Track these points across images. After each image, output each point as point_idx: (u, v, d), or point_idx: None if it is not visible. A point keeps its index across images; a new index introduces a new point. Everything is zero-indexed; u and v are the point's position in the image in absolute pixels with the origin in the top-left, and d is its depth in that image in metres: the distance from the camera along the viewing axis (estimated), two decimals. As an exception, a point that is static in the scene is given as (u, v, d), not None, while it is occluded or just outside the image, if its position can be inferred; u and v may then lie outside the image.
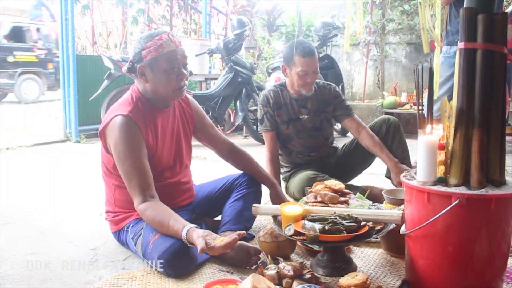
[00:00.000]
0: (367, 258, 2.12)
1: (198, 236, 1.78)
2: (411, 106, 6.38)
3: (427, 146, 1.69)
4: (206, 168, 3.83)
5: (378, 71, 7.22)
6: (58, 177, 3.82)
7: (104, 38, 6.53)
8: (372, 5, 7.14)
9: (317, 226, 1.81)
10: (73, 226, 2.62)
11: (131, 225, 2.13)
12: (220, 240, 1.77)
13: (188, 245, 1.86)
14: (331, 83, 3.10)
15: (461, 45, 1.67)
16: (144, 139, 2.08)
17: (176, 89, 2.12)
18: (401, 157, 2.83)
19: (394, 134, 2.88)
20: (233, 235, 1.78)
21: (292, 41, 2.96)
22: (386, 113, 6.48)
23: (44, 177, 3.84)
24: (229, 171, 2.55)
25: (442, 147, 1.72)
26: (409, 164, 2.83)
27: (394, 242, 2.08)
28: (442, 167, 1.72)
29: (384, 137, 2.87)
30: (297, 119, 2.99)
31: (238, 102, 5.64)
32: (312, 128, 3.01)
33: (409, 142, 5.75)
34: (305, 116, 2.99)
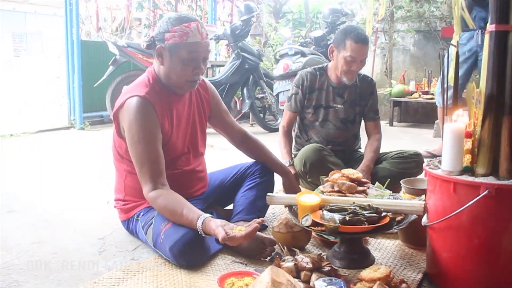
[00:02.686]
0: (384, 249, 2.05)
1: (217, 226, 1.71)
2: (419, 95, 6.27)
3: (453, 134, 1.61)
4: (214, 156, 3.75)
5: (386, 59, 7.11)
6: (63, 165, 3.76)
7: (109, 23, 6.43)
8: (381, -8, 7.01)
9: (337, 216, 1.73)
10: (79, 214, 2.55)
11: (141, 214, 2.06)
12: (238, 229, 1.70)
13: (203, 235, 1.79)
14: (371, 77, 3.00)
15: (491, 27, 1.58)
16: (159, 123, 1.99)
17: (189, 81, 2.03)
18: (379, 177, 2.69)
19: (406, 166, 2.72)
20: (252, 224, 1.70)
21: (348, 25, 2.83)
22: (394, 102, 6.40)
23: (48, 164, 3.78)
24: (237, 158, 2.48)
25: (469, 135, 1.64)
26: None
27: (413, 233, 2.01)
28: (468, 156, 1.64)
29: (399, 159, 2.78)
30: (329, 107, 2.89)
31: (245, 89, 5.55)
32: (344, 120, 2.90)
33: (418, 131, 5.76)
34: (339, 106, 2.88)
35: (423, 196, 1.94)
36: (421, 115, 6.66)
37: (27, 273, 1.85)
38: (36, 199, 2.83)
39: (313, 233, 2.06)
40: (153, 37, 2.01)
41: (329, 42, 5.92)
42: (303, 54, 5.13)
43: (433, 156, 3.95)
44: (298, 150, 2.97)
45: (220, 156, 3.65)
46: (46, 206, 2.68)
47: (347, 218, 1.72)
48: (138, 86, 2.02)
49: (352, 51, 2.67)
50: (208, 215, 1.81)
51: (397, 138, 5.27)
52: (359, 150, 3.06)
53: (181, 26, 1.94)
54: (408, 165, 2.71)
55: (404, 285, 1.60)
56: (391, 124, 6.35)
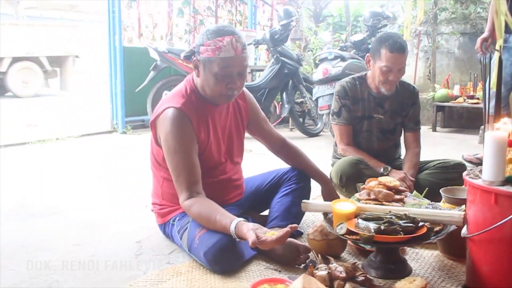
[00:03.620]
0: (422, 260, 2.00)
1: (249, 229, 1.71)
2: (464, 100, 6.09)
3: (495, 142, 1.55)
4: (252, 161, 3.76)
5: (429, 62, 6.93)
6: (104, 168, 3.85)
7: (150, 30, 6.56)
8: (424, -6, 6.85)
9: (372, 225, 1.69)
10: (118, 217, 2.61)
11: (177, 219, 2.09)
12: (271, 234, 1.70)
13: (237, 239, 1.80)
14: (413, 85, 2.90)
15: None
16: (195, 134, 2.01)
17: (223, 95, 2.03)
18: (420, 187, 2.57)
19: (448, 176, 2.60)
20: (285, 229, 1.70)
21: (384, 32, 2.74)
22: (438, 107, 6.24)
23: (91, 167, 3.89)
24: (275, 163, 2.47)
25: (512, 144, 1.57)
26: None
27: (452, 244, 1.94)
28: (511, 166, 1.58)
29: (441, 169, 2.69)
30: (370, 117, 2.80)
31: (284, 94, 5.54)
32: (384, 130, 2.82)
33: (462, 136, 5.60)
34: (380, 116, 2.79)
35: (463, 206, 1.88)
36: (466, 120, 6.46)
37: (67, 273, 1.91)
38: (78, 201, 2.91)
39: (350, 242, 2.03)
40: (192, 48, 2.05)
41: (369, 46, 5.83)
42: (343, 59, 5.07)
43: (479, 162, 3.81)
44: (336, 158, 2.93)
45: (258, 161, 3.65)
46: (87, 209, 2.76)
47: (382, 227, 1.68)
48: (175, 97, 2.05)
49: (387, 60, 2.57)
50: (241, 219, 1.81)
51: (440, 144, 5.14)
52: (399, 157, 2.98)
53: (215, 40, 1.93)
54: (451, 176, 2.60)
55: (441, 298, 1.55)
56: (434, 130, 6.19)
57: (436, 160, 2.77)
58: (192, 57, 2.05)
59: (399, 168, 2.77)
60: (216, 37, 1.94)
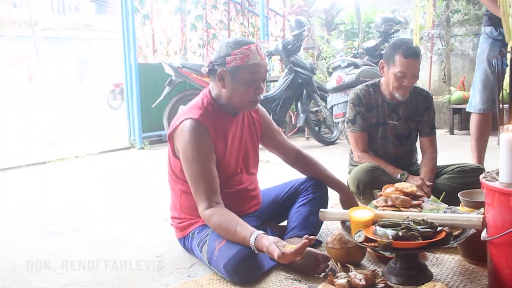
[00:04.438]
0: (443, 265, 1.98)
1: (270, 243, 1.73)
2: (481, 101, 6.02)
3: (510, 144, 1.54)
4: (269, 171, 3.78)
5: (444, 65, 6.90)
6: (123, 184, 3.90)
7: (164, 46, 6.64)
8: (435, -3, 6.83)
9: (390, 232, 1.69)
10: (138, 232, 2.64)
11: (196, 232, 2.11)
12: (289, 247, 1.71)
13: (256, 252, 1.82)
14: (427, 90, 2.91)
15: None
16: (213, 145, 2.05)
17: (251, 101, 2.09)
18: (438, 192, 2.57)
19: (467, 181, 2.58)
20: (302, 240, 1.71)
21: (397, 39, 2.79)
22: (454, 109, 6.19)
23: (110, 184, 3.94)
24: (292, 174, 2.49)
25: (527, 145, 1.56)
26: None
27: (473, 248, 1.93)
28: (527, 167, 1.56)
29: (459, 173, 2.68)
30: (385, 124, 2.82)
31: (299, 103, 5.56)
32: (399, 136, 2.83)
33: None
34: (395, 122, 2.80)
35: (482, 210, 1.86)
36: (483, 122, 6.38)
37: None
38: (99, 217, 2.95)
39: (369, 249, 2.03)
40: (212, 62, 2.08)
41: (382, 52, 5.83)
42: (356, 66, 5.08)
43: None
44: (353, 165, 2.93)
45: (275, 171, 3.67)
46: (108, 224, 2.80)
47: (400, 233, 1.68)
48: (192, 109, 2.09)
49: (402, 66, 2.59)
50: (260, 231, 1.83)
51: (458, 147, 5.09)
52: (416, 162, 2.97)
53: (242, 49, 2.00)
54: (469, 180, 2.56)
55: (463, 302, 1.54)
56: (452, 133, 6.13)
57: (454, 164, 2.76)
58: (213, 69, 2.08)
59: (416, 173, 2.77)
60: (241, 46, 2.01)
